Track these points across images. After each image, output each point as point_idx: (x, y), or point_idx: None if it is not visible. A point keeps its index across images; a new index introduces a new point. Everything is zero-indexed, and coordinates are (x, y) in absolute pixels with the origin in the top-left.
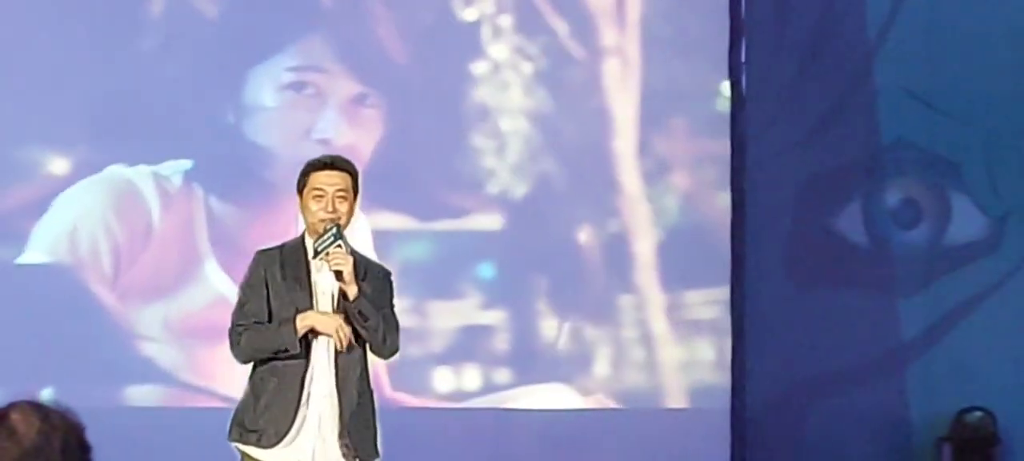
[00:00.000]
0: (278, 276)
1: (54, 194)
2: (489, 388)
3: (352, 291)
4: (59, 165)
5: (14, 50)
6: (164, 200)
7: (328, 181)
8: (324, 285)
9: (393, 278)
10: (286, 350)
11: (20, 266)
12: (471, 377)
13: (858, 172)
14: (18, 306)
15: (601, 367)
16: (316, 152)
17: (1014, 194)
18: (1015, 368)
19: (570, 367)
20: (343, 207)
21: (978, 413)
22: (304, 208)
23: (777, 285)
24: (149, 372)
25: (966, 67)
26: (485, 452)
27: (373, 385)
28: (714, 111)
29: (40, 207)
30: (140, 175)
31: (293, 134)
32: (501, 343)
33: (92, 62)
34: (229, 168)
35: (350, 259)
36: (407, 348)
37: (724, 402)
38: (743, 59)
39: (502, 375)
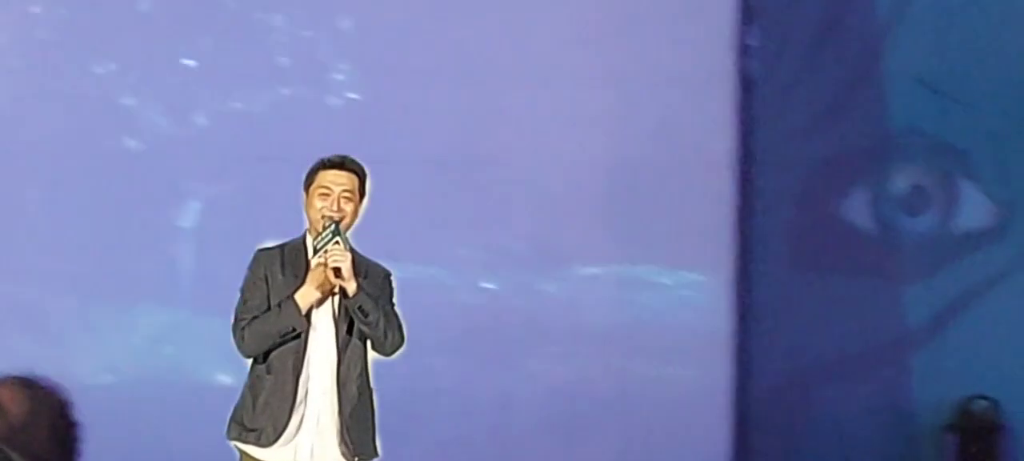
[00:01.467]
0: (279, 275)
1: None
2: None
3: (351, 287)
4: None
5: None
6: None
7: (335, 181)
8: None
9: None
10: (293, 330)
11: None
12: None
13: (866, 158)
14: None
15: (603, 339)
16: None
17: (1022, 181)
18: (1021, 356)
19: (571, 337)
20: (348, 207)
21: (983, 401)
22: (309, 206)
23: (783, 270)
24: None
25: (976, 55)
26: (484, 433)
27: (373, 384)
28: (721, 94)
29: None
30: None
31: None
32: (503, 305)
33: None
34: None
35: (348, 256)
36: None
37: (727, 385)
38: (752, 43)
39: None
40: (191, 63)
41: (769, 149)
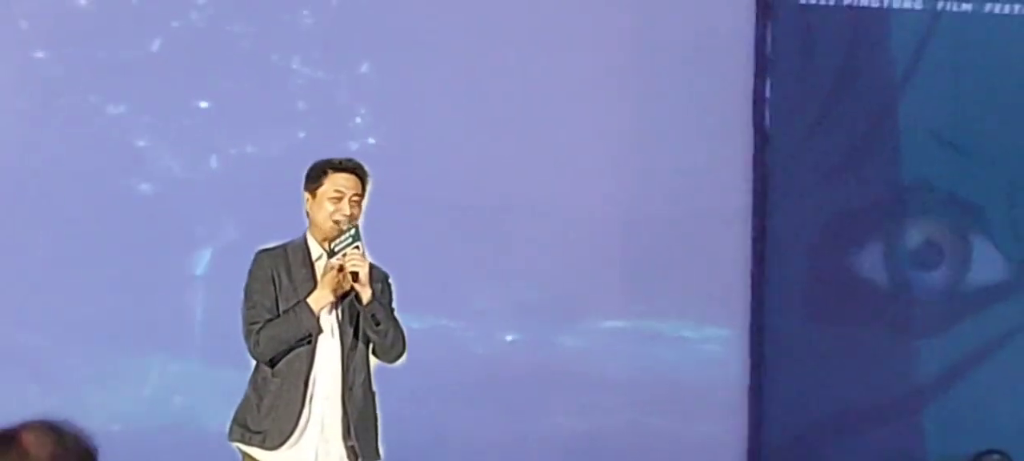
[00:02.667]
0: (284, 277)
1: None
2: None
3: (366, 295)
4: None
5: None
6: None
7: (346, 184)
8: None
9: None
10: (308, 336)
11: None
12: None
13: (880, 213)
14: None
15: (620, 391)
16: None
17: None
18: None
19: (589, 389)
20: (357, 211)
21: (995, 456)
22: (316, 207)
23: (797, 323)
24: None
25: (990, 110)
26: None
27: (375, 387)
28: (739, 147)
29: None
30: None
31: None
32: (522, 358)
33: None
34: None
35: (367, 262)
36: None
37: (742, 437)
38: (767, 96)
39: (519, 393)
40: (205, 105)
41: (783, 202)
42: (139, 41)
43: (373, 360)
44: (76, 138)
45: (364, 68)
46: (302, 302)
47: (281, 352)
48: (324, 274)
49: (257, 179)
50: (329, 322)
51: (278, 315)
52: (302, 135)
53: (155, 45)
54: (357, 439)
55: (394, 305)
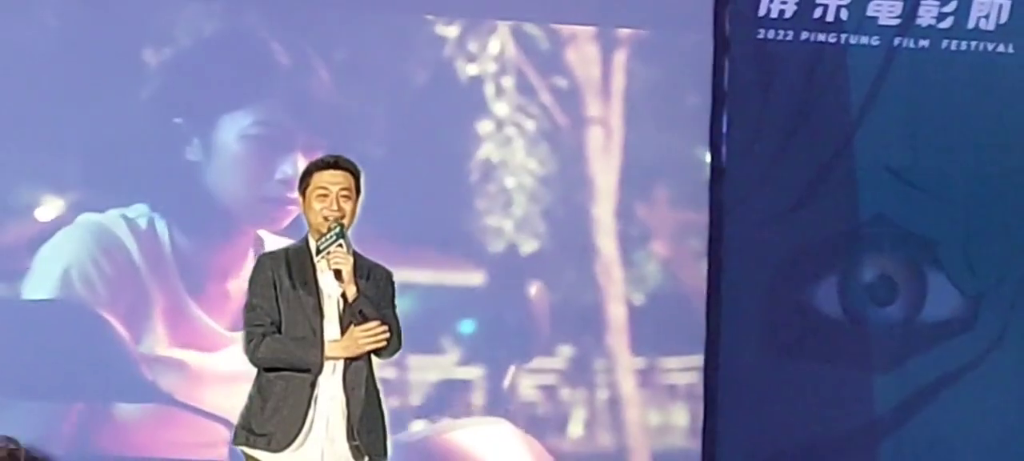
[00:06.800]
0: (285, 279)
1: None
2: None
3: (351, 291)
4: (43, 208)
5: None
6: (137, 240)
7: (332, 180)
8: (330, 288)
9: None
10: (308, 369)
11: (26, 302)
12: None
13: (836, 247)
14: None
15: (574, 427)
16: (277, 192)
17: (990, 273)
18: (988, 447)
19: (544, 426)
20: (347, 206)
21: None
22: (307, 208)
23: (752, 356)
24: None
25: (946, 146)
26: None
27: (379, 385)
28: (697, 182)
29: (28, 247)
30: (111, 219)
31: (256, 176)
32: (477, 398)
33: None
34: (192, 207)
35: (350, 259)
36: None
37: None
38: (724, 130)
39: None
40: None
41: (739, 237)
42: None
43: (375, 360)
44: None
45: None
46: (319, 342)
47: (276, 367)
48: (349, 339)
49: None
50: (332, 324)
51: (280, 317)
52: None
53: None
54: (362, 438)
55: (396, 302)
